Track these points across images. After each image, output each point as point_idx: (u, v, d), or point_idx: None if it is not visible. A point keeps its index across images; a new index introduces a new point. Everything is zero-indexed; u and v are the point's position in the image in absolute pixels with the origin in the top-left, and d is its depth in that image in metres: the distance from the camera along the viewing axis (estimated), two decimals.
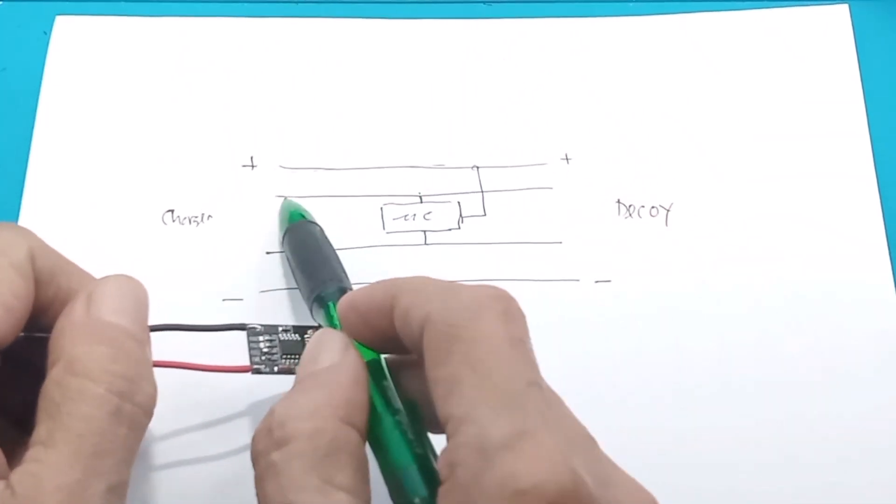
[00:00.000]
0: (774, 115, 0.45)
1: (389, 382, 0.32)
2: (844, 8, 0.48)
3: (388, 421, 0.30)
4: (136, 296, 0.33)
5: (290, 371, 0.36)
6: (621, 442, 0.38)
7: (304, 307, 0.40)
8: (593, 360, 0.40)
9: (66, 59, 0.46)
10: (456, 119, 0.45)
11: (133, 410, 0.29)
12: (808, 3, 0.48)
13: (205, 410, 0.38)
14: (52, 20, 0.46)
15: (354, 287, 0.41)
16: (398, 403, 0.31)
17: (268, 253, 0.42)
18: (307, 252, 0.40)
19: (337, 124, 0.45)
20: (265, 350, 0.36)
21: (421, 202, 0.43)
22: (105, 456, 0.28)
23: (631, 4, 0.48)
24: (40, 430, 0.29)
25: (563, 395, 0.39)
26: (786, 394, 0.40)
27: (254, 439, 0.30)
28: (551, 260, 0.42)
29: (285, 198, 0.42)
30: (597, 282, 0.42)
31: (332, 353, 0.31)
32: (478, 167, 0.44)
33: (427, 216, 0.43)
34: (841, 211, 0.43)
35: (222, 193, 0.43)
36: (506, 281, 0.42)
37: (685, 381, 0.40)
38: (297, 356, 0.36)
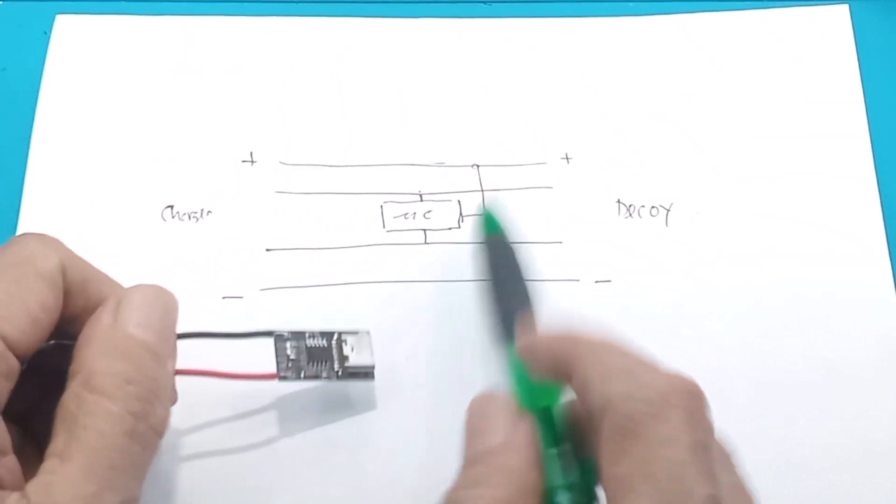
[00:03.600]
0: (775, 115, 0.45)
1: (561, 446, 0.30)
2: (844, 8, 0.48)
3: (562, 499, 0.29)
4: (165, 307, 0.33)
5: (315, 377, 0.37)
6: None
7: (309, 305, 0.41)
8: None
9: (66, 59, 0.46)
10: (456, 118, 0.45)
11: (146, 431, 0.30)
12: (809, 3, 0.48)
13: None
14: (52, 20, 0.47)
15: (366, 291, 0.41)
16: (571, 475, 0.30)
17: (268, 250, 0.42)
18: (503, 276, 0.39)
19: (337, 122, 0.45)
20: (292, 357, 0.37)
21: (421, 200, 0.43)
22: (119, 471, 0.29)
23: (631, 4, 0.48)
24: (57, 442, 0.29)
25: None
26: (786, 394, 0.40)
27: None
28: (551, 260, 0.42)
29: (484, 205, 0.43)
30: (597, 282, 0.42)
31: (502, 426, 0.30)
32: (478, 166, 0.44)
33: (427, 215, 0.43)
34: (841, 211, 0.43)
35: (222, 189, 0.43)
36: None
37: None
38: (324, 362, 0.37)
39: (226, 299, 0.41)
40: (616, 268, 0.42)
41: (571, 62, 0.47)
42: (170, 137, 0.44)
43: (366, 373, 0.38)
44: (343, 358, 0.37)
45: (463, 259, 0.42)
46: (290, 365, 0.37)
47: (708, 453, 0.26)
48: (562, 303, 0.41)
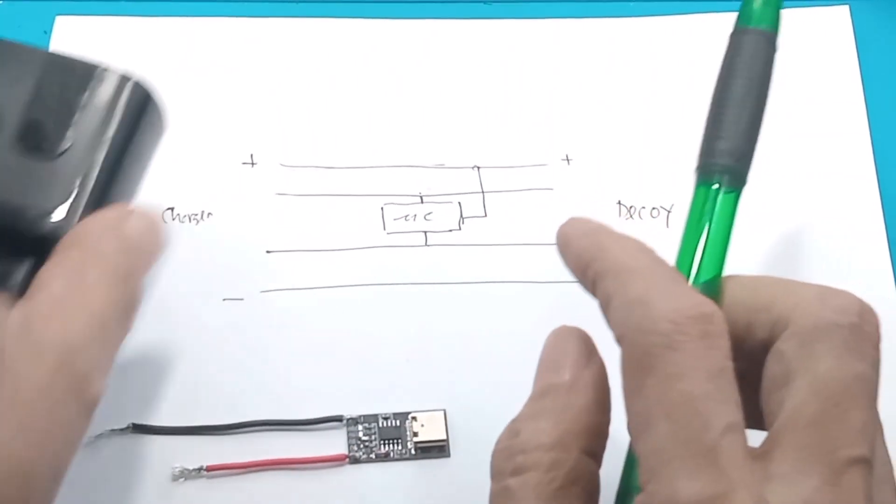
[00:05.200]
0: (775, 115, 0.45)
1: None
2: (845, 9, 0.48)
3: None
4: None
5: (386, 455, 0.38)
6: (623, 444, 0.39)
7: (309, 307, 0.40)
8: None
9: None
10: (456, 119, 0.45)
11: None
12: (809, 3, 0.48)
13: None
14: (52, 20, 0.46)
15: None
16: None
17: (269, 252, 0.42)
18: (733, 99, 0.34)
19: (337, 123, 0.45)
20: (363, 438, 0.38)
21: (422, 202, 0.43)
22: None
23: (631, 4, 0.48)
24: None
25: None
26: None
27: (494, 454, 0.29)
28: (552, 261, 0.42)
29: None
30: None
31: (572, 363, 0.29)
32: (478, 167, 0.44)
33: (428, 216, 0.43)
34: (841, 211, 0.43)
35: (222, 191, 0.43)
36: (507, 283, 0.42)
37: None
38: (396, 440, 0.38)
39: (226, 301, 0.41)
40: None
41: (571, 63, 0.47)
42: (170, 139, 0.44)
43: (440, 447, 0.38)
44: (414, 434, 0.38)
45: (463, 261, 0.42)
46: (360, 446, 0.38)
47: (726, 377, 0.25)
48: (562, 304, 0.41)
